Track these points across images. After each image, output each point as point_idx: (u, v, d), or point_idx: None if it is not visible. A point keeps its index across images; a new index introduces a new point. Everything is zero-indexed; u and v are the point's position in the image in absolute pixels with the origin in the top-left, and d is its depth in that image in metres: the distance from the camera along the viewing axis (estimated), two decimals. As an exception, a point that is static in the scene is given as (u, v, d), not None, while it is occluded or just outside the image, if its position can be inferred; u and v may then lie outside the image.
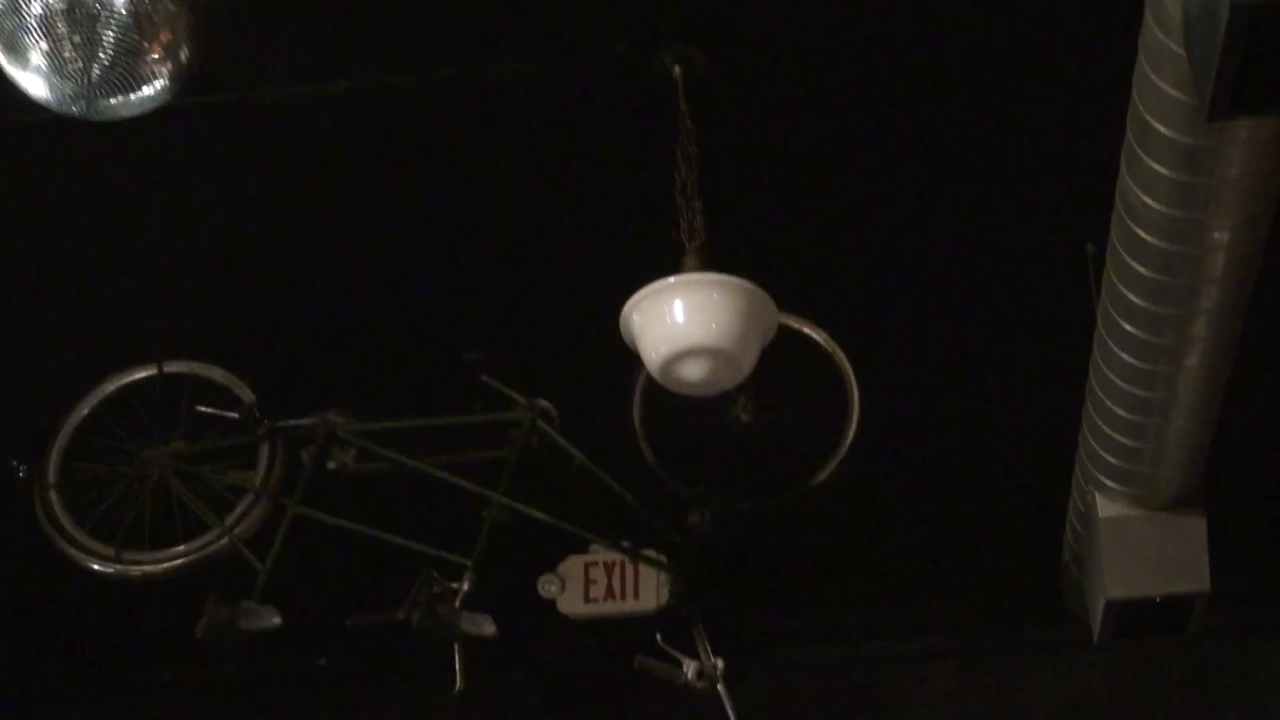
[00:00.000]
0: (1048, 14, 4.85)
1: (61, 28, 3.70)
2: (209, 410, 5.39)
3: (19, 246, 5.63)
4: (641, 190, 5.23)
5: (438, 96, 5.10)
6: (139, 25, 3.73)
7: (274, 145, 5.29)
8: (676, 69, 5.02)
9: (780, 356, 5.07)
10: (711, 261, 4.84)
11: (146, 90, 3.88)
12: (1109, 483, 5.58)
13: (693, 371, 4.79)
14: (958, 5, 4.86)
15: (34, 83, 3.88)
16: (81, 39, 3.66)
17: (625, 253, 5.24)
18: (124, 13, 3.73)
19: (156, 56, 3.80)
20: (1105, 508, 5.63)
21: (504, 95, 5.13)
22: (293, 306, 5.87)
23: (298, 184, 5.47)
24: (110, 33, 3.68)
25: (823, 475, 5.32)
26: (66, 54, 3.70)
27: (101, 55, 3.74)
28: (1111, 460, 5.47)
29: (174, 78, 3.91)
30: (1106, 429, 5.31)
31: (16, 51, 3.75)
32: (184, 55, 3.88)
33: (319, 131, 5.25)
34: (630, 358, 4.98)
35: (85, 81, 3.78)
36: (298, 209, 5.56)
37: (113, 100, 3.89)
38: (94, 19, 3.71)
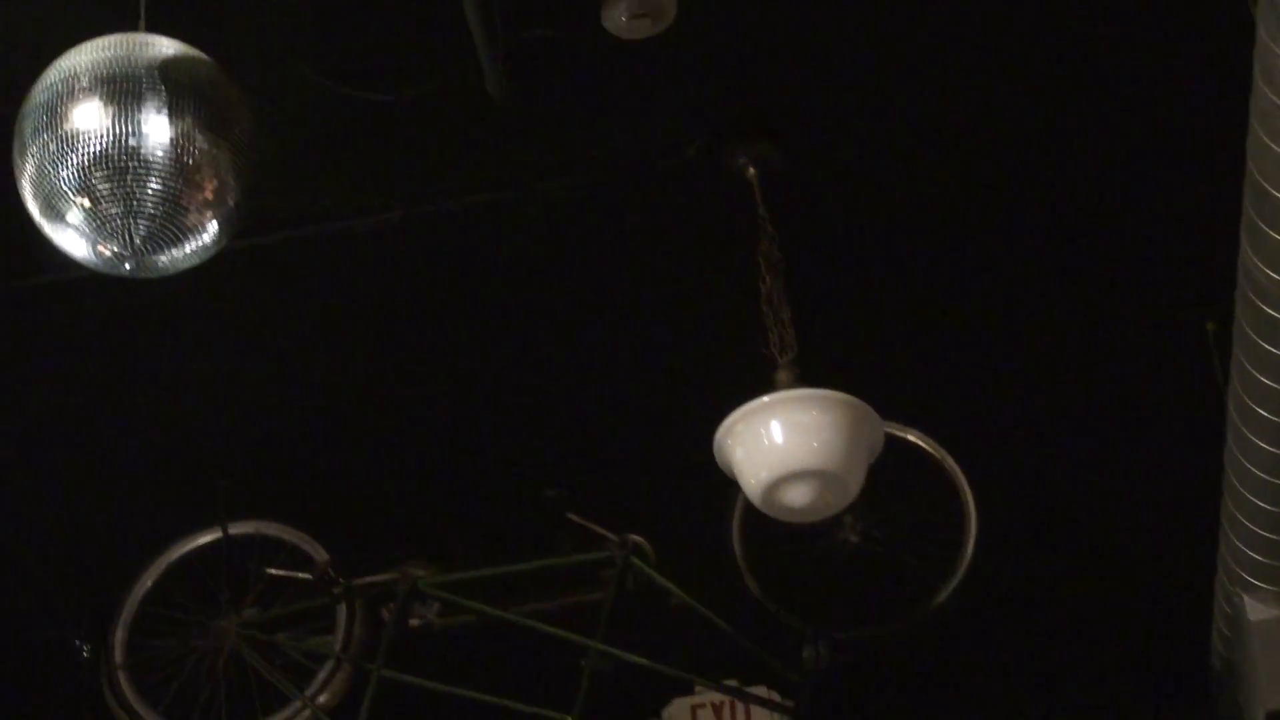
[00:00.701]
0: (1152, 85, 4.68)
1: (99, 183, 3.50)
2: (280, 572, 5.28)
3: (64, 409, 5.54)
4: (724, 302, 5.15)
5: (501, 218, 5.03)
6: (182, 172, 3.53)
7: (331, 281, 5.24)
8: (751, 170, 4.91)
9: (887, 469, 4.89)
10: (806, 375, 4.70)
11: (197, 242, 3.68)
12: (1257, 582, 5.34)
13: (797, 497, 4.65)
14: (1059, 81, 4.72)
15: (74, 243, 3.66)
16: (122, 193, 3.46)
17: (712, 371, 5.14)
18: (165, 160, 3.51)
19: (204, 203, 3.60)
20: (1255, 610, 5.40)
21: (570, 210, 5.02)
22: (360, 454, 5.80)
23: (357, 322, 5.41)
24: (152, 184, 3.48)
25: (943, 595, 5.17)
26: (107, 210, 3.50)
27: (145, 209, 3.54)
28: (1257, 557, 5.21)
29: (225, 224, 3.71)
30: (1248, 524, 5.06)
31: (54, 211, 3.69)
32: (232, 200, 3.66)
33: (378, 263, 5.20)
34: (727, 483, 4.84)
35: (129, 239, 3.58)
36: (357, 349, 5.49)
37: (162, 258, 3.68)
38: (133, 171, 3.50)
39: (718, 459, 4.75)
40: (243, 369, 5.52)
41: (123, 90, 3.60)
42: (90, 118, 3.58)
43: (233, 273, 4.60)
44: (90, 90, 3.59)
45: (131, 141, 3.58)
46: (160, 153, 3.59)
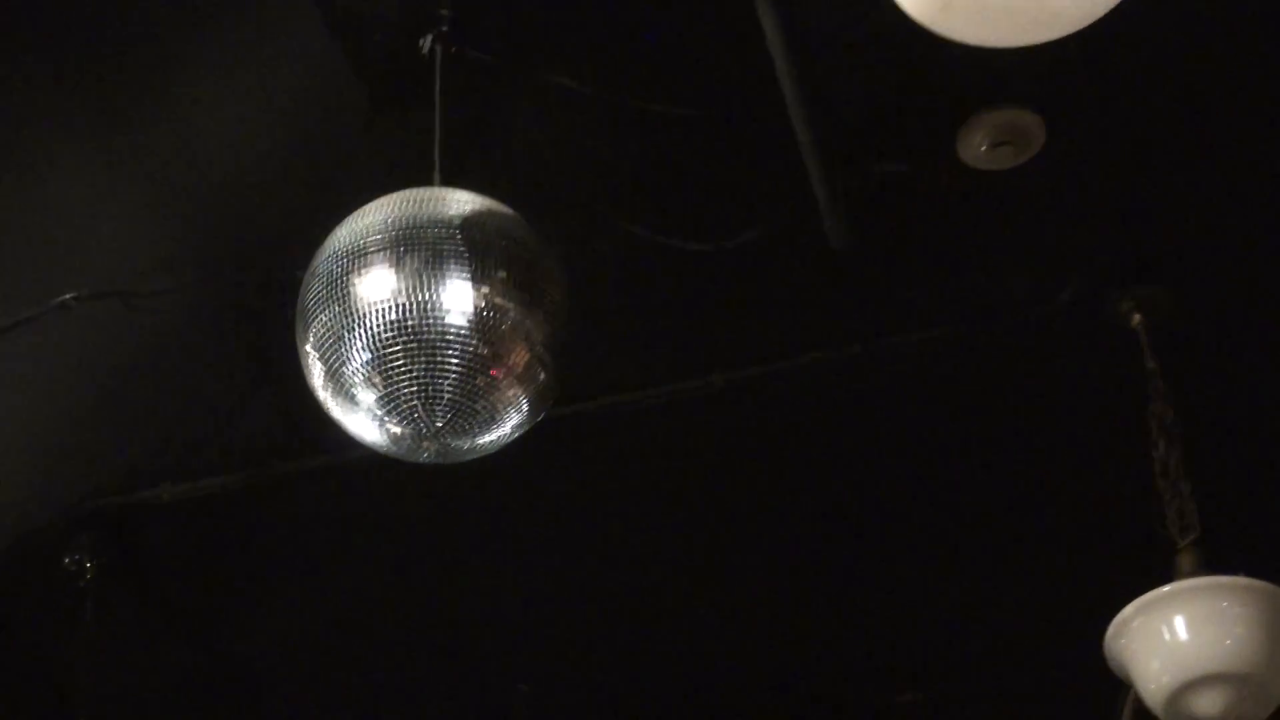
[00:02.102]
0: None
1: (394, 360, 3.31)
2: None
3: (334, 605, 5.41)
4: (1108, 475, 4.80)
5: (840, 379, 4.73)
6: (488, 344, 3.32)
7: (637, 458, 4.99)
8: (1136, 316, 4.50)
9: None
10: (1214, 560, 4.23)
11: (505, 423, 3.48)
12: None
13: (1208, 706, 4.16)
14: None
15: (364, 426, 3.49)
16: (419, 371, 3.27)
17: (1097, 557, 4.86)
18: (469, 331, 3.30)
19: (513, 378, 3.40)
20: None
21: (920, 370, 4.69)
22: (677, 649, 5.55)
23: (675, 501, 5.13)
24: (454, 359, 3.27)
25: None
26: (403, 390, 3.32)
27: (446, 388, 3.34)
28: None
29: (536, 400, 3.50)
30: None
31: (341, 390, 3.48)
32: (544, 373, 3.44)
33: (697, 434, 4.92)
34: (1115, 686, 4.42)
35: (429, 422, 3.38)
36: (677, 532, 5.22)
37: (466, 441, 3.48)
38: (432, 344, 3.29)
39: (1109, 659, 4.30)
40: (542, 556, 5.29)
41: (419, 253, 3.40)
42: (383, 286, 3.40)
43: (523, 450, 4.48)
44: (382, 254, 3.41)
45: (430, 311, 3.39)
46: (463, 323, 3.39)
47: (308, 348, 3.53)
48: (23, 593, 5.22)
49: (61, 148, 4.02)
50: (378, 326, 3.41)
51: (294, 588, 5.41)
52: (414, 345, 3.41)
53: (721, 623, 5.50)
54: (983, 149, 4.15)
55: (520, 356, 3.48)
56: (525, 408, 3.56)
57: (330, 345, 3.47)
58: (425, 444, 3.54)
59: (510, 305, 3.45)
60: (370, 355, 3.44)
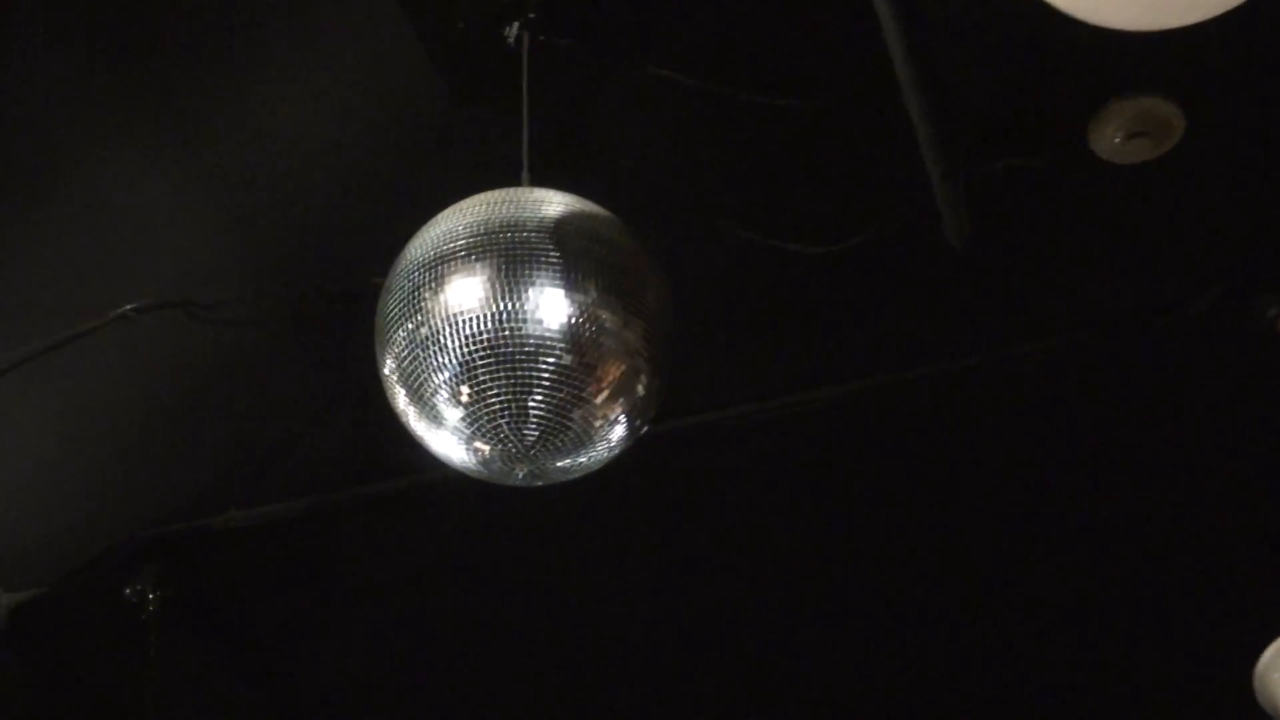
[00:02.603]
0: None
1: (482, 375, 3.31)
2: None
3: (411, 640, 5.43)
4: (1255, 498, 4.73)
5: (957, 392, 4.68)
6: (584, 357, 3.32)
7: (736, 479, 4.97)
8: (1288, 318, 4.46)
9: None
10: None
11: (602, 441, 3.46)
12: None
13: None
14: None
15: (449, 446, 3.49)
16: (510, 386, 3.31)
17: (1247, 586, 4.80)
18: (563, 343, 3.29)
19: (611, 393, 3.39)
20: None
21: (1046, 381, 4.62)
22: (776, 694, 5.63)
23: (768, 528, 5.11)
24: (547, 373, 3.30)
25: None
26: (491, 407, 3.33)
27: (539, 404, 3.34)
28: None
29: (634, 416, 3.48)
30: None
31: (425, 407, 3.44)
32: (643, 387, 3.43)
33: (802, 453, 4.91)
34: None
35: (519, 442, 3.38)
36: (774, 561, 5.19)
37: (560, 461, 3.47)
38: (524, 357, 3.30)
39: (1258, 695, 4.30)
40: (636, 582, 5.26)
41: (507, 259, 3.40)
42: (468, 295, 3.38)
43: (617, 469, 4.45)
44: (466, 261, 3.41)
45: (519, 322, 3.38)
46: (555, 333, 3.37)
47: (388, 361, 3.51)
48: (82, 625, 5.18)
49: (124, 151, 4.02)
50: (463, 338, 3.40)
51: (370, 619, 5.35)
52: (502, 358, 3.40)
53: (832, 652, 5.44)
54: (1117, 140, 4.01)
55: (616, 369, 3.47)
56: (622, 424, 3.54)
57: (412, 358, 3.47)
58: (517, 464, 3.52)
59: (605, 314, 3.44)
60: (455, 369, 3.42)
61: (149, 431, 4.68)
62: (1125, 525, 5.03)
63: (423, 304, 3.46)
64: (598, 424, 3.53)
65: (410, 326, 3.47)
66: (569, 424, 3.50)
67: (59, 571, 5.00)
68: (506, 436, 3.50)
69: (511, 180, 3.59)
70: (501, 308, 3.42)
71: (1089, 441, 4.84)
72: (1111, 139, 4.07)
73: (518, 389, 3.44)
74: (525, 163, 3.65)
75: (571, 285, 3.44)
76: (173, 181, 4.11)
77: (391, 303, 3.51)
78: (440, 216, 3.54)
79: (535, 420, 3.46)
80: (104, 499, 4.87)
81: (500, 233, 3.44)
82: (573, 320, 3.44)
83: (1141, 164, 4.11)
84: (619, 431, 3.58)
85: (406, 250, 3.53)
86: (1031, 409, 4.75)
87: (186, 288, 4.30)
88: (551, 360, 3.44)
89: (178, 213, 4.18)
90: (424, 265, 3.47)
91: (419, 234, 3.53)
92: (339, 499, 4.92)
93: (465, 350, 3.43)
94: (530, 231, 3.45)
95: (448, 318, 3.43)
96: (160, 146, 4.04)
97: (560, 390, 3.46)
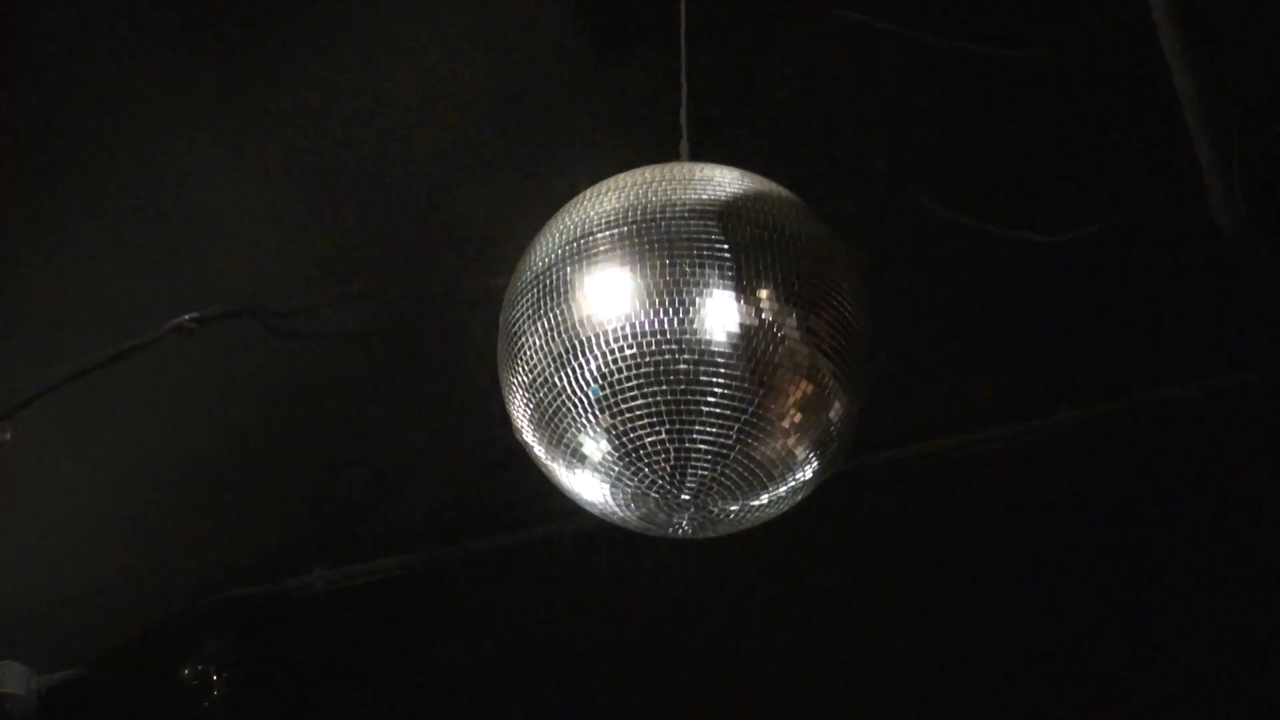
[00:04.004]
0: None
1: (631, 399, 3.30)
2: None
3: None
4: None
5: (1232, 407, 4.71)
6: (759, 374, 3.29)
7: (960, 520, 5.01)
8: None
9: None
10: None
11: (783, 481, 3.41)
12: None
13: None
14: None
15: (590, 487, 3.48)
16: (666, 413, 3.30)
17: None
18: (732, 357, 3.27)
19: (793, 420, 3.36)
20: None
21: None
22: None
23: (998, 572, 5.16)
24: (713, 396, 3.27)
25: None
26: (642, 440, 3.32)
27: (703, 436, 3.30)
28: None
29: (823, 449, 3.42)
30: None
31: (558, 441, 3.41)
32: (835, 411, 3.39)
33: (1036, 490, 4.93)
34: None
35: (678, 483, 3.35)
36: (1013, 614, 5.19)
37: (731, 506, 3.43)
38: (683, 375, 3.29)
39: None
40: (824, 642, 5.27)
41: (663, 252, 3.35)
42: (616, 299, 3.34)
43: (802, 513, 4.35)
44: (613, 255, 3.37)
45: (680, 331, 3.32)
46: (725, 347, 3.33)
47: (514, 382, 3.45)
48: (129, 715, 5.29)
49: (203, 138, 4.03)
50: (608, 354, 3.35)
51: (477, 703, 5.40)
52: (657, 380, 3.35)
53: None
54: None
55: (802, 390, 3.40)
56: (811, 459, 3.47)
57: (545, 379, 3.41)
58: (676, 512, 3.48)
59: (788, 322, 3.37)
60: (598, 393, 3.37)
61: (213, 472, 4.66)
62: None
63: (556, 312, 3.41)
64: (778, 459, 3.47)
65: (540, 341, 3.42)
66: (744, 459, 3.44)
67: (101, 647, 4.99)
68: (663, 477, 3.44)
69: (668, 154, 3.53)
70: (656, 316, 3.36)
71: None
72: None
73: (678, 418, 3.38)
74: (684, 130, 3.58)
75: (744, 284, 3.38)
76: (254, 173, 4.12)
77: (516, 312, 3.45)
78: (575, 202, 3.47)
79: (699, 457, 3.40)
80: (156, 556, 4.81)
81: (654, 219, 3.39)
82: (747, 329, 3.37)
83: None
84: (804, 469, 3.51)
85: (534, 246, 3.46)
86: None
87: (261, 293, 4.26)
88: (720, 381, 3.37)
89: (256, 206, 4.17)
90: (557, 264, 3.42)
91: (549, 225, 3.47)
92: (445, 555, 4.96)
93: (611, 370, 3.37)
94: (692, 218, 3.39)
95: (588, 329, 3.37)
96: (241, 134, 4.05)
97: (731, 418, 3.38)
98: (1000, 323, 4.53)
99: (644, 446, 3.41)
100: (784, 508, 3.57)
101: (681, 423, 3.39)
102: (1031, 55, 3.93)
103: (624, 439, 3.42)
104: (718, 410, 3.39)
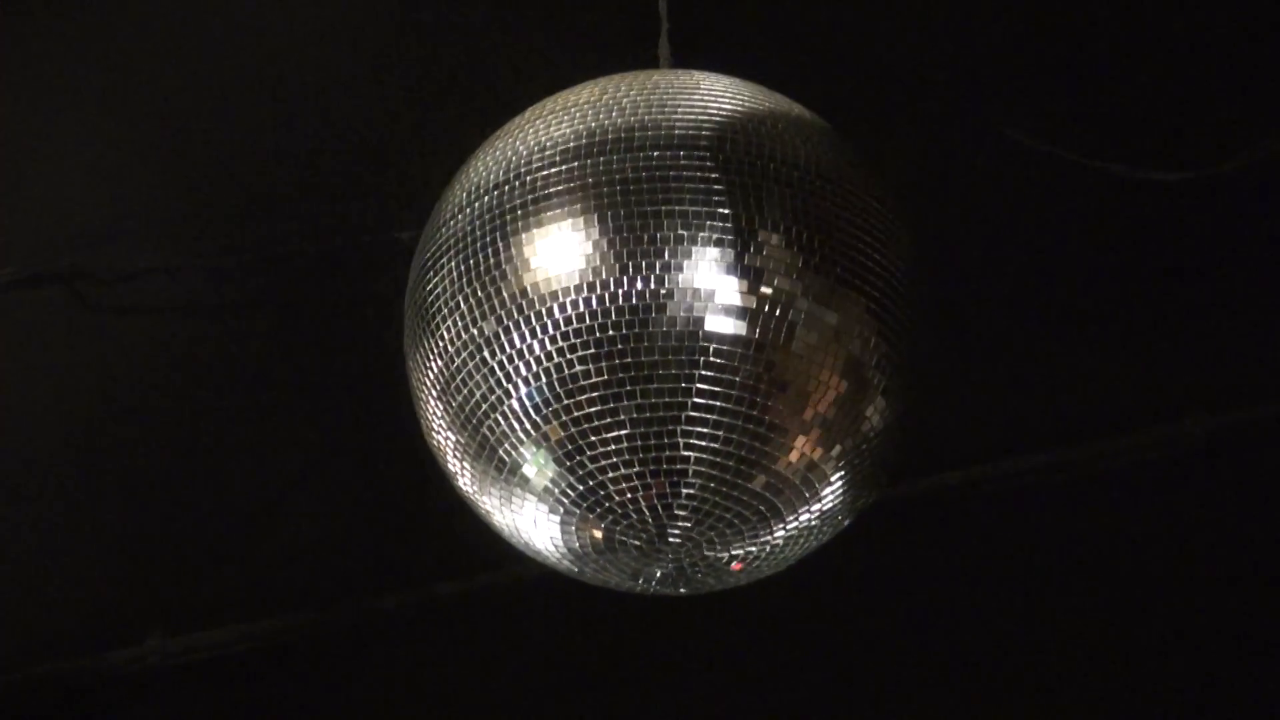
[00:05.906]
0: None
1: (588, 404, 3.41)
2: None
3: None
4: None
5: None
6: (762, 366, 3.36)
7: (1048, 559, 5.13)
8: None
9: None
10: None
11: (799, 511, 3.49)
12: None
13: None
14: None
15: (534, 525, 3.58)
16: (639, 418, 3.39)
17: None
18: (730, 348, 3.38)
19: (809, 435, 3.42)
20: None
21: None
22: None
23: (1088, 615, 5.30)
24: (700, 397, 3.36)
25: None
26: (611, 453, 3.39)
27: (686, 449, 3.38)
28: None
29: (854, 470, 3.49)
30: None
31: (491, 460, 3.28)
32: (870, 423, 3.49)
33: (1155, 513, 5.09)
34: None
35: (660, 517, 3.41)
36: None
37: (727, 554, 3.50)
38: (662, 368, 3.38)
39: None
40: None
41: (633, 196, 3.38)
42: (569, 258, 3.36)
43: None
44: (567, 198, 3.41)
45: (656, 306, 3.34)
46: (724, 327, 3.36)
47: (425, 375, 3.44)
48: None
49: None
50: (559, 337, 3.33)
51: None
52: (627, 369, 3.34)
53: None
54: None
55: (829, 386, 3.40)
56: (839, 484, 3.44)
57: (468, 373, 3.39)
58: (655, 556, 3.47)
59: (806, 291, 3.37)
60: (548, 390, 3.35)
61: (8, 506, 4.46)
62: None
63: (487, 276, 3.39)
64: (793, 482, 3.43)
65: (464, 316, 3.41)
66: (743, 483, 3.42)
67: None
68: (638, 509, 3.42)
69: (644, 58, 3.50)
70: (621, 285, 3.36)
71: None
72: None
73: (655, 425, 3.34)
74: (663, 22, 3.57)
75: (744, 243, 3.35)
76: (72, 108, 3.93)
77: (430, 280, 3.41)
78: (512, 127, 3.44)
79: (687, 480, 3.35)
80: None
81: (623, 150, 3.36)
82: (749, 303, 3.33)
83: None
84: (830, 497, 3.47)
85: (454, 188, 3.40)
86: None
87: (83, 252, 4.03)
88: (712, 371, 3.35)
89: (76, 151, 4.02)
90: (491, 210, 3.41)
91: (474, 159, 3.43)
92: (330, 620, 4.95)
93: (563, 356, 3.33)
94: (673, 146, 3.36)
95: (531, 299, 3.34)
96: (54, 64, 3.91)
97: (727, 425, 3.34)
98: (1101, 296, 4.49)
99: (607, 469, 3.38)
100: (804, 549, 3.57)
101: (660, 433, 3.37)
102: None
103: (579, 456, 3.39)
104: (710, 414, 3.39)
